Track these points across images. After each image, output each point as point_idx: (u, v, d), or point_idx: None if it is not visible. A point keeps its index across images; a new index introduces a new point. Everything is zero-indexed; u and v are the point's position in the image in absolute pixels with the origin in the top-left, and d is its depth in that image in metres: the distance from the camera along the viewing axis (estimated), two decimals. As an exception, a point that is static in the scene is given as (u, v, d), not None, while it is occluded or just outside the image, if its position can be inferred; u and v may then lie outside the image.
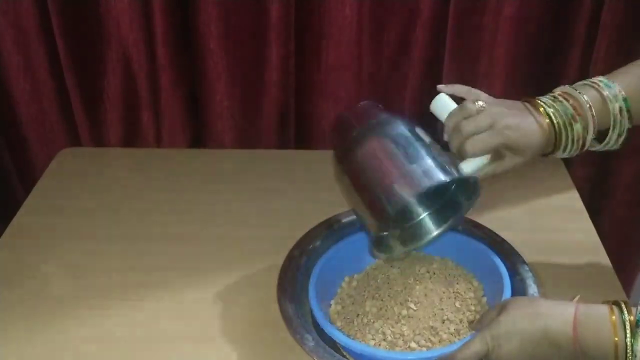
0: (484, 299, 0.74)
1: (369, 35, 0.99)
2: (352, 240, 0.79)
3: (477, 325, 0.65)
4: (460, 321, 0.70)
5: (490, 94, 1.04)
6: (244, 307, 0.79)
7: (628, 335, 0.54)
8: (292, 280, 0.75)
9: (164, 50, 1.00)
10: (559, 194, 0.97)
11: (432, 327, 0.69)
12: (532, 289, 0.72)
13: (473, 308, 0.72)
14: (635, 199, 1.12)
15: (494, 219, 0.86)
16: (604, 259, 0.86)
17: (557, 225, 0.92)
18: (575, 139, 0.68)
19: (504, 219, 0.87)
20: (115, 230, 0.92)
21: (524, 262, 0.76)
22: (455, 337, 0.68)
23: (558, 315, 0.57)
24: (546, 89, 1.03)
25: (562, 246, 0.88)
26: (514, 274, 0.74)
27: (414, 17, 0.97)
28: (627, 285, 1.19)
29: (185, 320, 0.77)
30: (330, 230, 0.82)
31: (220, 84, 1.03)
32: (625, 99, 0.67)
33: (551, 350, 0.57)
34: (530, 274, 0.74)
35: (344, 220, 0.84)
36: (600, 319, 0.56)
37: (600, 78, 0.69)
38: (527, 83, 1.03)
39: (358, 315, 0.72)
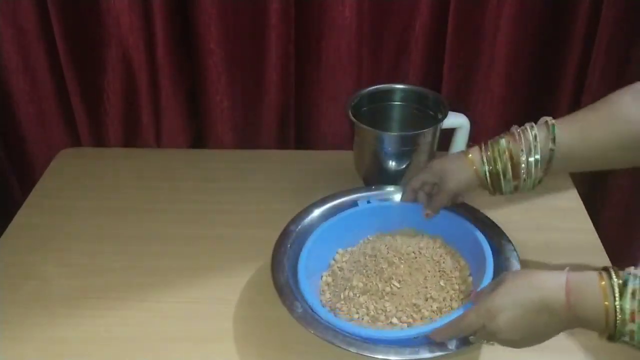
0: (470, 278, 0.75)
1: (368, 36, 0.99)
2: (347, 214, 0.82)
3: (474, 298, 0.66)
4: (444, 299, 0.72)
5: (490, 94, 1.05)
6: (243, 307, 0.79)
7: (617, 297, 0.55)
8: (287, 252, 0.77)
9: (164, 50, 1.00)
10: (559, 194, 0.97)
11: (414, 304, 0.71)
12: (515, 267, 0.74)
13: (457, 287, 0.74)
14: (635, 199, 1.12)
15: (494, 219, 0.85)
16: (604, 259, 0.86)
17: (557, 225, 0.92)
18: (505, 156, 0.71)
19: (504, 219, 0.86)
20: (115, 230, 0.92)
21: (508, 240, 0.77)
22: (437, 314, 0.70)
23: (552, 284, 0.58)
24: (546, 89, 1.04)
25: (562, 246, 0.88)
26: (498, 253, 0.76)
27: (413, 17, 0.97)
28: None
29: (185, 320, 0.77)
30: (327, 207, 0.84)
31: (220, 84, 1.03)
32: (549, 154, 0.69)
33: (547, 318, 0.58)
34: (514, 253, 0.76)
35: (343, 198, 0.86)
36: (590, 285, 0.57)
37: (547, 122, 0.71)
38: (527, 83, 1.03)
39: (345, 289, 0.74)
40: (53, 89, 1.06)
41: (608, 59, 0.99)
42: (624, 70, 1.01)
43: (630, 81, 1.01)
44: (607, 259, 0.85)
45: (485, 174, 0.72)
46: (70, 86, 1.04)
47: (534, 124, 0.71)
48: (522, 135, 0.70)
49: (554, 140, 0.68)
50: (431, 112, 0.93)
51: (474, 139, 0.96)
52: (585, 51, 0.99)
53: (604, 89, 1.02)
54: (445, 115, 0.89)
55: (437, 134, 0.91)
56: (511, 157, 0.70)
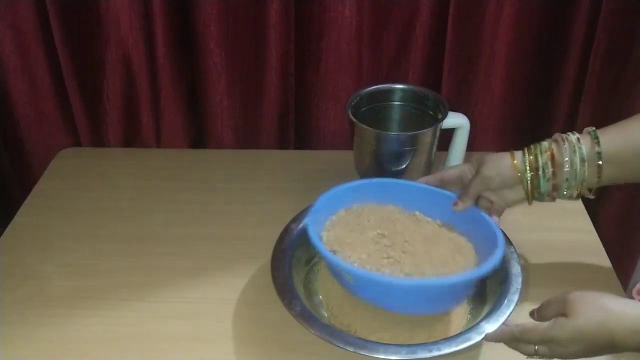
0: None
1: (368, 36, 0.99)
2: (358, 184, 0.80)
3: (538, 317, 0.64)
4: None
5: (490, 94, 1.05)
6: (244, 307, 0.79)
7: None
8: (287, 250, 0.77)
9: (164, 50, 1.00)
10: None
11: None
12: (516, 269, 0.74)
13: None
14: (635, 200, 1.12)
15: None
16: (604, 259, 0.86)
17: (557, 225, 0.92)
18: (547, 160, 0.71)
19: (503, 219, 0.87)
20: (115, 230, 0.92)
21: (508, 241, 0.77)
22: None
23: (627, 325, 0.57)
24: (546, 89, 1.04)
25: (562, 246, 0.88)
26: None
27: (414, 17, 0.97)
28: (626, 285, 1.19)
29: (185, 320, 0.77)
30: None
31: (220, 84, 1.03)
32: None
33: (612, 350, 0.58)
34: (515, 254, 0.76)
35: None
36: None
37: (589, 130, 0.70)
38: (527, 83, 1.04)
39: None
40: (52, 89, 1.05)
41: (608, 59, 0.99)
42: (624, 71, 1.01)
43: (629, 82, 1.02)
44: (607, 259, 0.86)
45: (525, 168, 0.71)
46: (69, 86, 1.04)
47: (576, 132, 0.71)
48: (565, 139, 0.70)
49: (598, 143, 0.68)
50: (431, 112, 0.93)
51: (474, 139, 0.96)
52: (585, 51, 0.99)
53: (604, 89, 1.03)
54: (445, 115, 0.89)
55: (437, 134, 0.91)
56: (552, 157, 0.70)
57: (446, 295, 0.69)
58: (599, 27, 0.96)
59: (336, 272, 0.70)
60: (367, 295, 0.70)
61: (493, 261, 0.67)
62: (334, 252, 0.70)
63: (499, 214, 0.76)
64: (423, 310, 0.71)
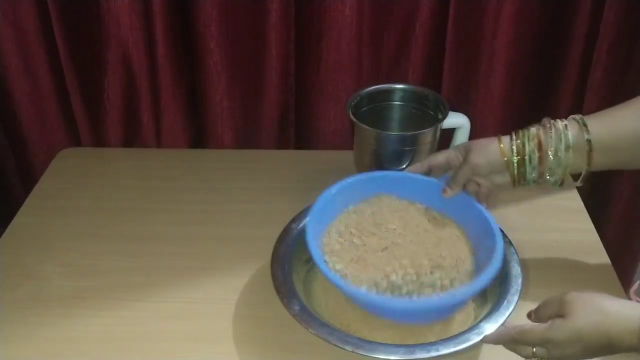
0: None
1: (369, 35, 0.99)
2: (353, 180, 0.80)
3: (535, 318, 0.64)
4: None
5: (490, 94, 1.05)
6: (244, 307, 0.79)
7: None
8: (286, 249, 0.77)
9: (164, 50, 1.00)
10: (559, 194, 0.97)
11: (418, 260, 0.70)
12: (516, 269, 0.74)
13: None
14: (635, 199, 1.12)
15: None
16: (604, 259, 0.86)
17: (557, 225, 0.92)
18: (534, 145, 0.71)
19: (503, 219, 0.87)
20: (116, 230, 0.92)
21: (508, 241, 0.78)
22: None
23: (623, 325, 0.57)
24: (546, 89, 1.04)
25: (562, 246, 0.88)
26: None
27: (414, 17, 0.97)
28: (627, 285, 1.19)
29: (185, 320, 0.77)
30: None
31: (220, 84, 1.03)
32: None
33: (609, 351, 0.58)
34: (515, 256, 0.76)
35: None
36: None
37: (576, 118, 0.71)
38: (527, 83, 1.04)
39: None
40: (53, 89, 1.06)
41: (610, 59, 0.99)
42: (627, 71, 1.01)
43: (632, 82, 1.01)
44: (607, 259, 0.86)
45: (512, 154, 0.72)
46: (70, 86, 1.04)
47: (564, 119, 0.71)
48: (552, 125, 0.71)
49: (587, 130, 0.69)
50: (431, 112, 0.93)
51: (474, 139, 0.95)
52: (586, 51, 0.99)
53: (606, 89, 1.02)
54: (445, 115, 0.89)
55: (437, 134, 0.91)
56: (539, 144, 0.71)
57: (445, 309, 0.70)
58: (602, 26, 0.96)
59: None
60: (367, 310, 0.71)
61: (493, 268, 0.67)
62: (338, 271, 0.70)
63: (487, 196, 0.77)
64: (429, 321, 0.71)
